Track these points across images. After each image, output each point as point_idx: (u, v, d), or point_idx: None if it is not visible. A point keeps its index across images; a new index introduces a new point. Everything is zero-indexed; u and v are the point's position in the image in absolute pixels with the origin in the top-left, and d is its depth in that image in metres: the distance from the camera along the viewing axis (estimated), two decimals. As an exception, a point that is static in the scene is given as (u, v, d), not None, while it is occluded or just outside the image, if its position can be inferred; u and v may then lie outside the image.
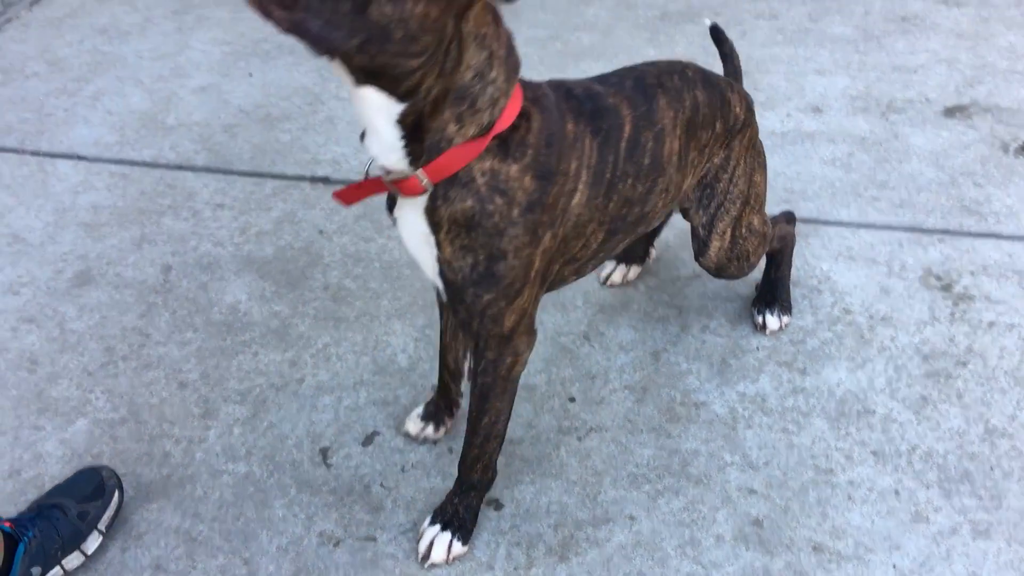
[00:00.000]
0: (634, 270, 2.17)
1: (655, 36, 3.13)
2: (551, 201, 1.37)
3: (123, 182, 2.53)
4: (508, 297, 1.40)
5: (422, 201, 1.34)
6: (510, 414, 1.59)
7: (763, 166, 1.83)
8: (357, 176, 2.54)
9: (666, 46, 3.07)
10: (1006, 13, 3.16)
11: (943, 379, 1.90)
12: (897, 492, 1.69)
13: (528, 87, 1.37)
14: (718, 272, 1.83)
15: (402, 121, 1.24)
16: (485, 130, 1.28)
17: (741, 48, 3.01)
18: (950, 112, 2.69)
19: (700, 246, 1.78)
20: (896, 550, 1.60)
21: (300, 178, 2.55)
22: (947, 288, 2.11)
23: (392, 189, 1.33)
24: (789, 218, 2.01)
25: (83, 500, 1.63)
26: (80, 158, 2.62)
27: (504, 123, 1.30)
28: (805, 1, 3.30)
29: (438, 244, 1.36)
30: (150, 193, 2.49)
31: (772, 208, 2.32)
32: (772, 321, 2.01)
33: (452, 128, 1.26)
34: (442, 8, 1.15)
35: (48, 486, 1.74)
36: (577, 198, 1.43)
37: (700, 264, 1.81)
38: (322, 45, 1.11)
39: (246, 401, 1.92)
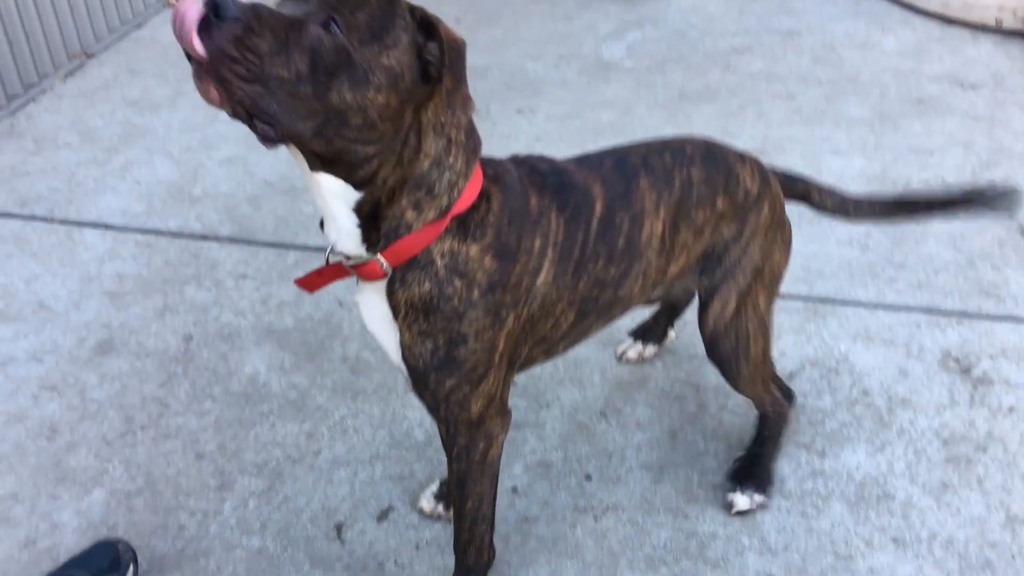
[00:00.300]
0: (651, 349, 2.17)
1: (673, 115, 3.18)
2: (514, 281, 1.36)
3: (148, 251, 2.57)
4: (472, 382, 1.37)
5: (382, 284, 1.33)
6: (495, 495, 1.55)
7: (786, 243, 1.72)
8: (378, 249, 2.57)
9: (684, 125, 3.11)
10: (1021, 96, 3.20)
11: (963, 464, 1.88)
12: (918, 580, 1.67)
13: (489, 164, 1.37)
14: (712, 343, 1.70)
15: (359, 209, 1.25)
16: (443, 212, 1.28)
17: (758, 128, 3.07)
18: (967, 194, 2.71)
19: (700, 309, 1.68)
20: (918, 641, 1.58)
21: (321, 249, 2.58)
22: (966, 371, 2.11)
23: (352, 273, 1.33)
24: (788, 394, 1.84)
25: (98, 573, 1.63)
26: (107, 227, 2.67)
27: (463, 203, 1.30)
28: (821, 82, 3.35)
29: (399, 328, 1.35)
30: (174, 263, 2.53)
31: (790, 287, 2.33)
32: (741, 500, 1.80)
33: (410, 215, 1.26)
34: (403, 99, 1.17)
35: (63, 557, 1.74)
36: (543, 276, 1.40)
37: (701, 332, 1.70)
38: (279, 127, 1.11)
39: (262, 473, 1.92)
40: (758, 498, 1.81)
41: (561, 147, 2.99)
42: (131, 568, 1.66)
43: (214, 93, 1.08)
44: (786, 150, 2.96)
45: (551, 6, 4.02)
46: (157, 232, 2.65)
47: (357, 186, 1.22)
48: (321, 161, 1.19)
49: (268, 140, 1.13)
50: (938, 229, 2.57)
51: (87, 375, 2.17)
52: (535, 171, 1.43)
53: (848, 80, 3.35)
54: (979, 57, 3.47)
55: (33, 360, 2.21)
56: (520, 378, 2.12)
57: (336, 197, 1.24)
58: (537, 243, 1.38)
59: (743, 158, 1.66)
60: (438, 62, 1.18)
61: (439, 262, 1.30)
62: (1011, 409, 2.00)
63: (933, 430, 1.96)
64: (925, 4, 3.77)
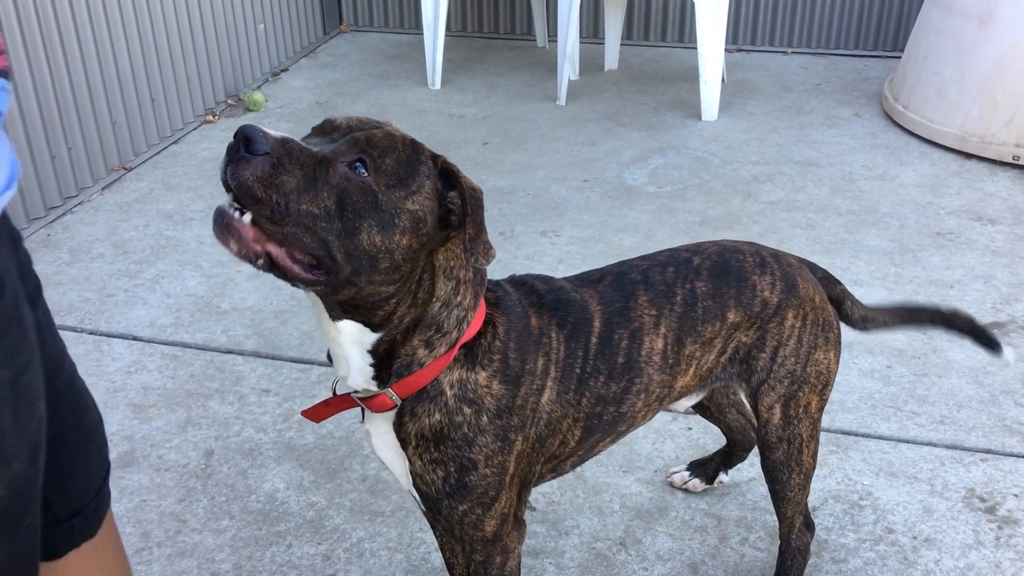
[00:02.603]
0: (698, 484, 2.13)
1: (695, 240, 3.23)
2: (519, 403, 1.37)
3: (174, 364, 2.61)
4: (484, 505, 1.38)
5: (391, 415, 1.34)
6: None
7: (831, 342, 1.65)
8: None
9: (705, 251, 3.16)
10: (1039, 232, 3.24)
11: (992, 609, 1.84)
12: None
13: (490, 289, 1.40)
14: (766, 449, 1.66)
15: (375, 350, 1.27)
16: (452, 345, 1.30)
17: (779, 256, 3.10)
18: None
19: (752, 414, 1.68)
20: None
21: (345, 366, 2.61)
22: (991, 511, 2.08)
23: (360, 405, 1.34)
24: (811, 526, 1.82)
25: None
26: (135, 339, 2.72)
27: (470, 333, 1.32)
28: (841, 213, 3.41)
29: (408, 458, 1.36)
30: (199, 376, 2.56)
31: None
32: None
33: (422, 352, 1.29)
34: (423, 243, 1.21)
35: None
36: (547, 395, 1.41)
37: (757, 440, 1.70)
38: (321, 272, 1.14)
39: (277, 595, 1.90)
40: None
41: (584, 270, 3.03)
42: None
43: (234, 245, 1.11)
44: (806, 279, 2.99)
45: (576, 131, 4.14)
46: (184, 345, 2.69)
47: (375, 328, 1.25)
48: (343, 308, 1.22)
49: (312, 284, 1.16)
50: (960, 363, 2.57)
51: (107, 488, 2.17)
52: (533, 291, 1.46)
53: (867, 211, 3.41)
54: (997, 192, 3.53)
55: None
56: (539, 503, 2.11)
57: (354, 342, 1.27)
58: (540, 362, 1.40)
59: (765, 265, 1.61)
60: (459, 210, 1.22)
61: (448, 392, 1.32)
62: (1039, 552, 1.97)
63: (959, 571, 1.92)
64: (943, 139, 3.86)
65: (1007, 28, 3.62)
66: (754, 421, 1.74)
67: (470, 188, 1.23)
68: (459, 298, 1.30)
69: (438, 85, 4.66)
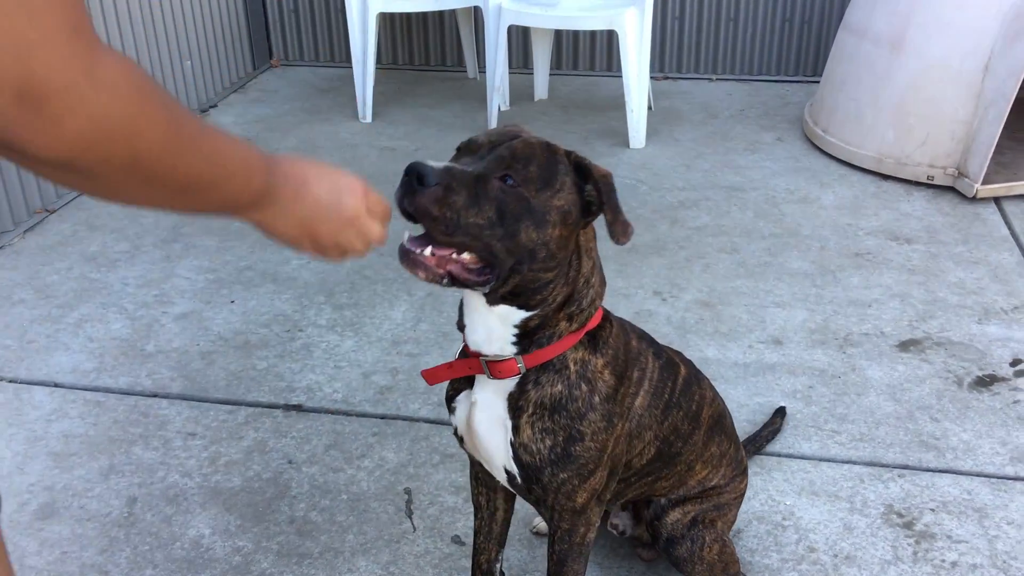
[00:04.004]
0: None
1: (623, 268, 3.28)
2: (621, 397, 1.53)
3: (97, 410, 2.57)
4: (582, 476, 1.50)
5: (506, 386, 1.47)
6: (584, 572, 1.66)
7: (738, 506, 1.93)
8: (332, 404, 2.58)
9: (634, 277, 3.21)
10: (954, 250, 3.35)
11: (909, 624, 1.88)
12: None
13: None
14: (668, 546, 1.82)
15: (523, 325, 1.42)
16: (583, 325, 1.45)
17: (704, 281, 3.17)
18: (904, 346, 2.80)
19: (658, 512, 1.82)
20: None
21: (273, 406, 2.59)
22: (909, 526, 2.13)
23: (485, 371, 1.45)
24: None
25: None
26: (57, 385, 2.67)
27: (595, 321, 1.47)
28: (765, 236, 3.48)
29: (516, 428, 1.47)
30: (122, 422, 2.52)
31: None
32: None
33: (563, 325, 1.44)
34: (572, 230, 1.38)
35: None
36: (640, 400, 1.59)
37: (653, 532, 1.84)
38: (495, 269, 1.32)
39: (201, 644, 1.87)
40: None
41: (513, 301, 3.06)
42: None
43: (422, 273, 1.32)
44: (731, 302, 3.05)
45: (506, 162, 4.18)
46: (107, 390, 2.65)
47: (530, 308, 1.41)
48: (504, 297, 1.40)
49: (484, 283, 1.35)
50: (879, 381, 2.64)
51: (26, 541, 2.12)
52: (632, 327, 1.65)
53: (790, 234, 3.49)
54: (913, 212, 3.64)
55: (-29, 525, 2.17)
56: (469, 537, 2.11)
57: (505, 321, 1.42)
58: (636, 374, 1.58)
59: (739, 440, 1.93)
60: (596, 199, 1.39)
61: (572, 368, 1.46)
62: (954, 564, 2.02)
63: (878, 588, 1.97)
64: (861, 161, 3.97)
65: (918, 53, 3.75)
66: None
67: (601, 176, 1.38)
68: (594, 279, 1.46)
69: (369, 118, 4.67)
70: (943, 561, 2.03)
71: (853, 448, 2.38)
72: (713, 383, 2.60)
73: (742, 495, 1.91)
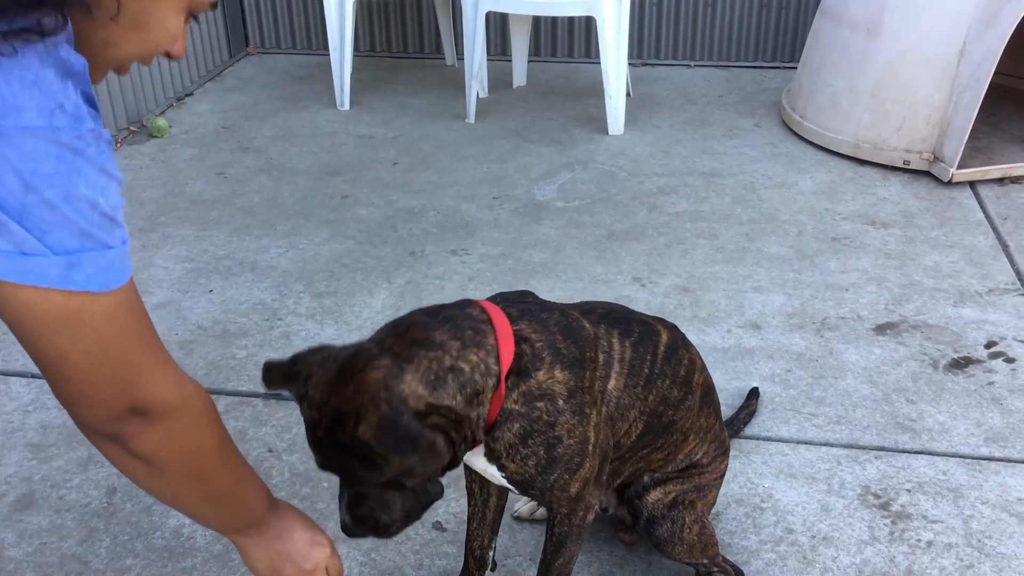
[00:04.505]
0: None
1: (603, 254, 3.29)
2: (588, 384, 1.49)
3: (75, 400, 2.55)
4: (571, 471, 1.51)
5: (480, 449, 1.47)
6: (578, 553, 1.69)
7: (718, 488, 1.92)
8: (309, 393, 2.58)
9: (612, 263, 3.22)
10: (930, 234, 3.37)
11: (885, 602, 1.91)
12: None
13: (512, 303, 1.49)
14: (648, 526, 1.81)
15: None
16: (497, 384, 1.38)
17: (683, 266, 3.18)
18: (881, 329, 2.82)
19: (639, 491, 1.80)
20: None
21: (253, 395, 2.59)
22: (885, 506, 2.15)
23: None
24: (739, 572, 1.93)
25: None
26: (34, 376, 2.65)
27: (507, 362, 1.39)
28: (743, 221, 3.50)
29: (501, 467, 1.49)
30: (102, 411, 2.51)
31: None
32: None
33: (480, 411, 1.39)
34: (445, 458, 1.34)
35: None
36: (613, 382, 1.56)
37: (634, 511, 1.82)
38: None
39: (183, 633, 1.87)
40: None
41: (494, 287, 3.06)
42: None
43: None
44: (710, 288, 3.07)
45: (485, 149, 4.18)
46: (85, 380, 2.63)
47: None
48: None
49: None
50: (855, 364, 2.66)
51: (4, 533, 2.11)
52: (590, 312, 1.62)
53: (768, 219, 3.51)
54: (889, 196, 3.66)
55: (-51, 517, 2.15)
56: (450, 524, 2.12)
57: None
58: (601, 357, 1.54)
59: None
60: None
61: (517, 407, 1.42)
62: (929, 544, 2.05)
63: (855, 567, 1.99)
64: (838, 146, 3.99)
65: (894, 38, 3.77)
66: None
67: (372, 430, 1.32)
68: (480, 366, 1.36)
69: (347, 106, 4.65)
70: (919, 541, 2.06)
71: (830, 431, 2.41)
72: (692, 368, 2.63)
73: (722, 476, 1.91)
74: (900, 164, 3.83)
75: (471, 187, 3.82)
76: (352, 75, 4.64)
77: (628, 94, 4.58)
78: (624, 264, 3.22)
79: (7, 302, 1.00)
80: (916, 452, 2.32)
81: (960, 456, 2.31)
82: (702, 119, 4.47)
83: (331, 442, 1.28)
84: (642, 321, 1.68)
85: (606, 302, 1.74)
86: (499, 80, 4.96)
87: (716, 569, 1.88)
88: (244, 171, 4.00)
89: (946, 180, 3.69)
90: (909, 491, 2.20)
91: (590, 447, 1.51)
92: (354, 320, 2.92)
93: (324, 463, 1.33)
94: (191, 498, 1.25)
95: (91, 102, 1.01)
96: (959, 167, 3.66)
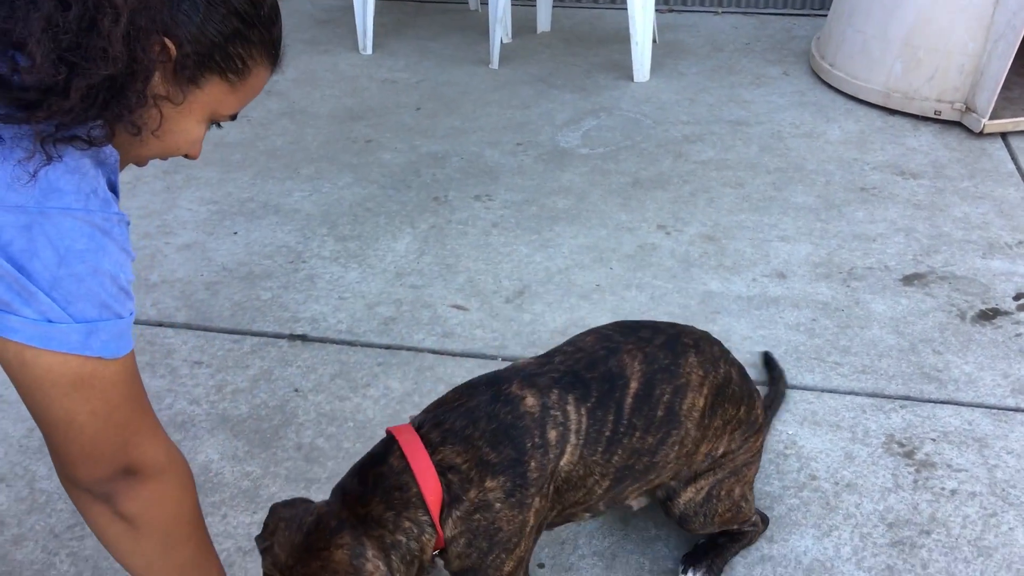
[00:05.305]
0: None
1: (627, 201, 3.27)
2: (534, 475, 1.49)
3: (103, 338, 2.57)
4: (508, 551, 1.51)
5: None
6: None
7: (757, 463, 1.86)
8: (336, 335, 2.59)
9: (637, 211, 3.20)
10: (959, 185, 3.33)
11: (908, 548, 1.92)
12: (865, 667, 1.69)
13: (435, 426, 1.49)
14: (682, 521, 1.79)
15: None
16: (432, 529, 1.44)
17: (708, 215, 3.16)
18: (908, 280, 2.80)
19: (670, 492, 1.75)
20: None
21: (279, 336, 2.60)
22: (909, 455, 2.15)
23: None
24: (765, 519, 1.94)
25: None
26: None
27: (435, 504, 1.43)
28: (769, 171, 3.46)
29: (447, 564, 1.53)
30: (129, 350, 2.53)
31: (738, 372, 2.38)
32: None
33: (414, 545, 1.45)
34: None
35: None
36: (566, 458, 1.52)
37: (666, 510, 1.78)
38: None
39: (212, 565, 1.90)
40: None
41: (517, 233, 3.06)
42: None
43: None
44: (736, 236, 3.04)
45: (509, 95, 4.14)
46: (113, 319, 2.65)
47: None
48: None
49: None
50: (882, 315, 2.64)
51: (36, 466, 2.15)
52: (543, 375, 1.56)
53: (795, 169, 3.47)
54: (919, 147, 3.61)
55: (-18, 450, 2.19)
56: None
57: None
58: (552, 435, 1.51)
59: (758, 392, 1.86)
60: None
61: (457, 531, 1.46)
62: (953, 492, 2.05)
63: (878, 514, 2.00)
64: (867, 95, 3.93)
65: (928, -15, 3.68)
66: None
67: None
68: (413, 532, 1.43)
69: (370, 50, 4.61)
70: (943, 489, 2.06)
71: (855, 380, 2.40)
72: (716, 316, 2.63)
73: (759, 451, 1.84)
74: (931, 114, 3.77)
75: (494, 133, 3.80)
76: (375, 19, 4.59)
77: (654, 41, 4.51)
78: (649, 212, 3.20)
79: (27, 366, 1.08)
80: (942, 402, 2.31)
81: (986, 406, 2.30)
82: (729, 67, 4.40)
83: None
84: (607, 372, 1.57)
85: (581, 337, 1.67)
86: (523, 26, 4.89)
87: (747, 527, 1.89)
88: (267, 114, 3.98)
89: (977, 131, 3.63)
90: (934, 440, 2.20)
91: (527, 529, 1.52)
92: (378, 264, 2.93)
93: None
94: (163, 568, 1.31)
95: (114, 190, 1.14)
96: (991, 118, 3.60)
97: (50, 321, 1.06)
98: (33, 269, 1.03)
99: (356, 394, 2.37)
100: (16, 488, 2.08)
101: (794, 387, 2.37)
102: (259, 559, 1.91)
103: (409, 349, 2.54)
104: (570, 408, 1.53)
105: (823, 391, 2.36)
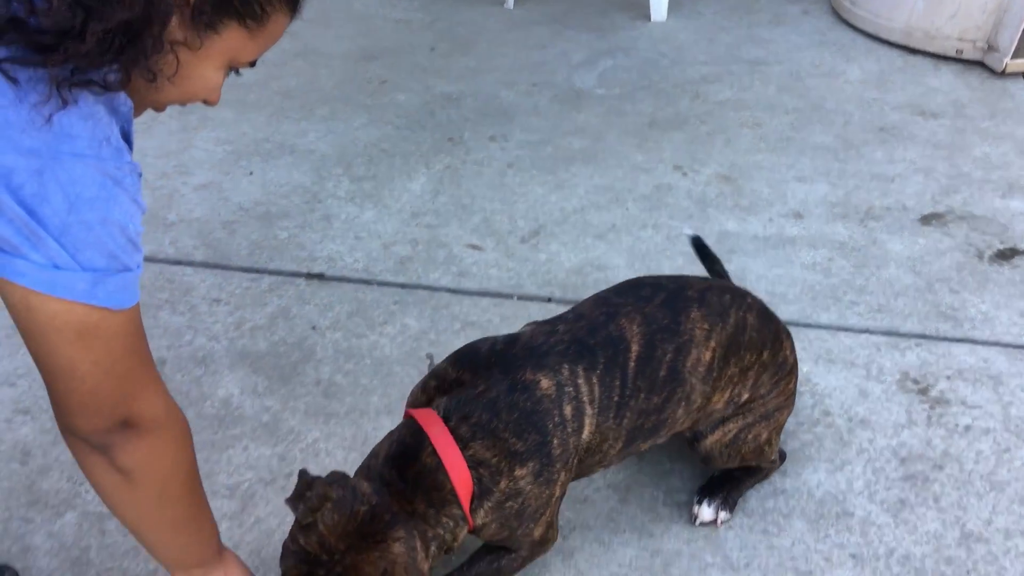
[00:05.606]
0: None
1: (643, 142, 3.25)
2: (558, 451, 1.52)
3: (123, 276, 2.59)
4: (535, 519, 1.57)
5: None
6: None
7: (792, 403, 1.86)
8: (353, 274, 2.61)
9: (654, 151, 3.18)
10: (980, 124, 3.29)
11: (920, 482, 1.93)
12: (875, 595, 1.72)
13: (463, 419, 1.50)
14: (705, 460, 1.81)
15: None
16: (464, 518, 1.48)
17: (726, 155, 3.14)
18: (927, 220, 2.78)
19: (697, 435, 1.77)
20: (874, 654, 1.62)
21: (296, 274, 2.62)
22: (924, 392, 2.16)
23: None
24: (782, 455, 1.96)
25: None
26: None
27: (465, 496, 1.47)
28: (788, 111, 3.43)
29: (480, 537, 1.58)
30: (148, 287, 2.55)
31: (754, 311, 2.38)
32: (706, 512, 1.85)
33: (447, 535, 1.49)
34: None
35: (34, 579, 1.76)
36: (586, 432, 1.56)
37: (692, 448, 1.80)
38: None
39: (235, 495, 1.94)
40: (723, 514, 1.85)
41: (533, 173, 3.05)
42: None
43: None
44: (753, 177, 3.03)
45: (524, 35, 4.10)
46: (132, 257, 2.68)
47: None
48: None
49: None
50: (899, 254, 2.64)
51: (60, 399, 2.18)
52: (551, 348, 1.57)
53: (813, 109, 3.44)
54: (940, 87, 3.57)
55: (6, 384, 2.22)
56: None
57: None
58: (568, 410, 1.53)
59: (787, 332, 1.83)
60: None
61: (489, 518, 1.51)
62: (967, 428, 2.06)
63: (891, 449, 2.02)
64: (888, 34, 3.87)
65: (953, -80, 3.60)
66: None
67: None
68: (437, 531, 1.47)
69: (383, -10, 4.56)
70: (956, 425, 2.07)
71: (871, 318, 2.40)
72: (732, 256, 2.62)
73: (792, 394, 1.84)
74: (952, 53, 3.71)
75: (510, 73, 3.76)
76: (388, -43, 4.53)
77: (672, -21, 4.44)
78: (665, 152, 3.18)
79: (33, 311, 1.08)
80: (957, 340, 2.32)
81: (1002, 344, 2.30)
82: (748, 6, 4.34)
83: None
84: (608, 337, 1.58)
85: (581, 304, 1.68)
86: (539, -36, 4.82)
87: (766, 464, 1.91)
88: (280, 54, 3.95)
89: (999, 70, 3.58)
90: (949, 378, 2.20)
91: (554, 500, 1.57)
92: (393, 204, 2.93)
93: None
94: (157, 521, 1.32)
95: (128, 139, 1.13)
96: (1013, 57, 3.55)
97: (57, 267, 1.05)
98: (43, 214, 1.03)
99: (373, 332, 2.39)
100: (41, 420, 2.12)
101: (809, 325, 2.38)
102: (280, 490, 1.95)
103: (425, 288, 2.56)
104: (581, 381, 1.54)
105: (838, 329, 2.37)
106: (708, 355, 1.64)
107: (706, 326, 1.65)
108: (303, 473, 1.48)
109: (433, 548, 1.47)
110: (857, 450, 2.02)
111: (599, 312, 1.63)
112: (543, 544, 1.64)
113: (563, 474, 1.55)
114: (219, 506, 1.91)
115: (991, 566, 1.76)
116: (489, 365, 1.55)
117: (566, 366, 1.54)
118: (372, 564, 1.37)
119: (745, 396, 1.74)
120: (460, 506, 1.47)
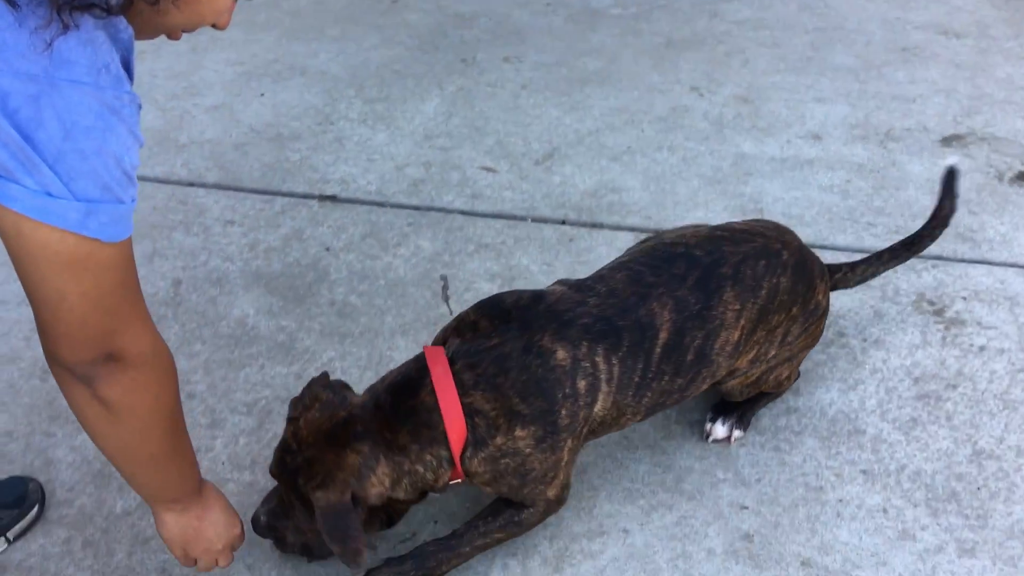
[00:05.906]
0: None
1: (659, 63, 3.19)
2: (565, 422, 1.52)
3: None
4: (546, 482, 1.57)
5: None
6: None
7: (817, 341, 1.87)
8: (366, 196, 2.60)
9: (670, 72, 3.13)
10: (1004, 45, 3.22)
11: (933, 401, 1.94)
12: (885, 510, 1.73)
13: (469, 366, 1.50)
14: (726, 395, 1.82)
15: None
16: (451, 462, 1.50)
17: (743, 76, 3.09)
18: (947, 141, 2.74)
19: (720, 380, 1.75)
20: (883, 566, 1.64)
21: (308, 196, 2.61)
22: (939, 313, 2.16)
23: None
24: (796, 376, 1.95)
25: (2, 507, 1.71)
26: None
27: (457, 442, 1.47)
28: (808, 30, 3.36)
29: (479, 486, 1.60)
30: (162, 208, 2.55)
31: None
32: (720, 430, 1.86)
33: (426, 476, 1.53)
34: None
35: (58, 492, 1.79)
36: (599, 405, 1.55)
37: (712, 386, 1.77)
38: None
39: (252, 412, 1.97)
40: (737, 432, 1.86)
41: (547, 95, 3.01)
42: (36, 508, 1.75)
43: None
44: (771, 98, 2.98)
45: (538, -47, 4.00)
46: (144, 179, 2.67)
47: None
48: None
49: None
50: (918, 176, 2.60)
51: (78, 318, 2.20)
52: (573, 321, 1.54)
53: (834, 28, 3.36)
54: (964, 5, 3.48)
55: (24, 303, 2.23)
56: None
57: None
58: (582, 385, 1.52)
59: (823, 274, 1.82)
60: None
61: (481, 468, 1.52)
62: (982, 348, 2.06)
63: (905, 369, 2.02)
64: (912, -48, 3.76)
65: None
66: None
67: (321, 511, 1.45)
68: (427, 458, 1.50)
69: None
70: (971, 345, 2.07)
71: (888, 240, 2.37)
72: (748, 178, 2.60)
73: (818, 336, 1.85)
74: (979, -29, 3.61)
75: (524, -7, 3.69)
76: None
77: None
78: (682, 73, 3.13)
79: (24, 237, 1.06)
80: (974, 261, 2.30)
81: (1019, 266, 2.28)
82: (768, -77, 4.21)
83: (290, 472, 1.49)
84: (637, 322, 1.56)
85: (613, 274, 1.64)
86: None
87: (781, 390, 1.92)
88: (291, -26, 3.88)
89: (1027, -12, 3.49)
90: (964, 299, 2.19)
91: (563, 463, 1.56)
92: (406, 126, 2.90)
93: (277, 474, 1.53)
94: (136, 455, 1.32)
95: (128, 69, 1.09)
96: (1042, -26, 3.45)
97: (50, 195, 1.03)
98: (38, 140, 1.00)
99: (387, 253, 2.39)
100: (59, 340, 2.14)
101: (825, 247, 2.36)
102: (296, 407, 1.97)
103: (439, 210, 2.55)
104: (599, 359, 1.53)
105: (855, 251, 2.35)
106: (736, 335, 1.65)
107: (737, 306, 1.63)
108: (312, 382, 1.56)
109: (406, 482, 1.49)
110: (871, 370, 2.02)
111: (631, 291, 1.60)
112: (559, 502, 1.65)
113: (570, 441, 1.55)
114: (237, 422, 1.94)
115: (1002, 482, 1.77)
116: (509, 318, 1.54)
117: (585, 344, 1.53)
118: (322, 464, 1.44)
119: (772, 352, 1.75)
120: (449, 449, 1.48)
